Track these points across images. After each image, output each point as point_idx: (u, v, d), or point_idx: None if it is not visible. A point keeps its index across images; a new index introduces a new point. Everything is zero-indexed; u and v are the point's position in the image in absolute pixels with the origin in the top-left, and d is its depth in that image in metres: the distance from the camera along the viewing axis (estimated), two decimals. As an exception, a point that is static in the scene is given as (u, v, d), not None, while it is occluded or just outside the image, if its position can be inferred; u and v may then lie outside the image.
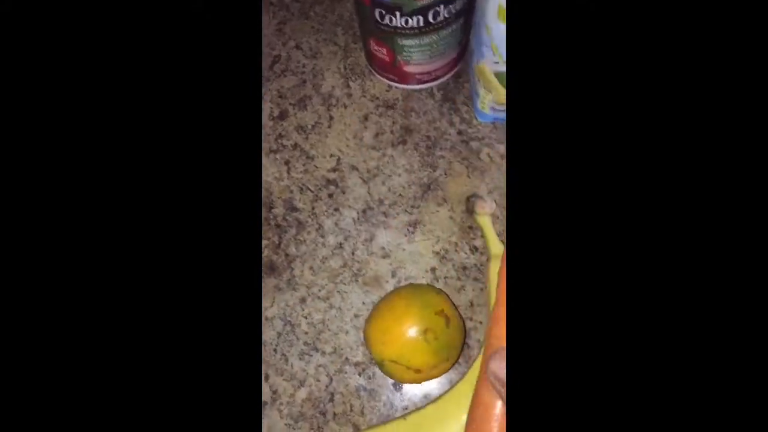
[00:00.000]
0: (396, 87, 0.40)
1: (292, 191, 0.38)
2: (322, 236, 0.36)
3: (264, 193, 0.38)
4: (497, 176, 0.37)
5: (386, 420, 0.32)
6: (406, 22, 0.31)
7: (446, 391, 0.31)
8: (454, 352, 0.30)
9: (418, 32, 0.32)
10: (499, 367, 0.23)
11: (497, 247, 0.33)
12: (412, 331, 0.28)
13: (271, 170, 0.38)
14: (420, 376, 0.29)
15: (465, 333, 0.32)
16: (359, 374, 0.33)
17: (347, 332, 0.34)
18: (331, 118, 0.40)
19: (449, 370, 0.31)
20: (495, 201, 0.36)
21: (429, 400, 0.32)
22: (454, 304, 0.32)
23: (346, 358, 0.34)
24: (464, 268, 0.35)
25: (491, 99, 0.35)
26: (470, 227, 0.36)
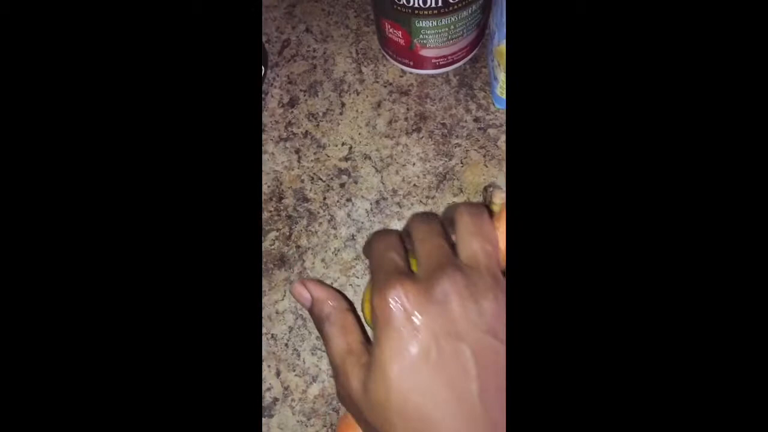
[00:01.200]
0: (410, 72, 0.38)
1: (302, 181, 0.37)
2: (334, 228, 0.35)
3: (274, 183, 0.37)
4: (516, 165, 0.36)
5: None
6: (424, 2, 0.30)
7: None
8: None
9: (437, 13, 0.31)
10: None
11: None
12: None
13: (280, 159, 0.37)
14: None
15: None
16: (373, 370, 0.32)
17: (361, 327, 0.33)
18: (343, 104, 0.38)
19: None
20: (514, 191, 0.34)
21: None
22: None
23: (360, 354, 0.33)
24: (482, 260, 0.34)
25: (511, 84, 0.33)
26: (488, 218, 0.35)
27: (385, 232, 0.26)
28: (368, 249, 0.26)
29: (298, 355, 0.33)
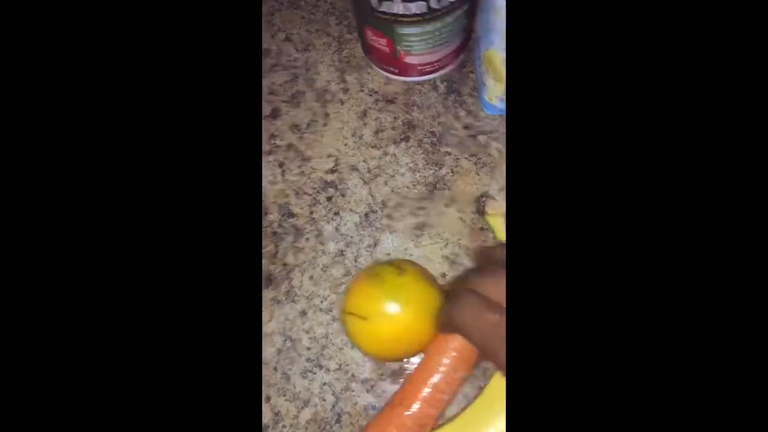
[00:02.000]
0: (396, 80, 0.37)
1: (287, 195, 0.35)
2: (322, 243, 0.34)
3: (258, 198, 0.35)
4: (508, 173, 0.35)
5: (398, 441, 0.29)
6: (407, 8, 0.29)
7: (463, 409, 0.29)
8: (409, 301, 0.28)
9: (420, 20, 0.30)
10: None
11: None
12: (362, 280, 0.29)
13: (264, 173, 0.36)
14: (369, 327, 0.28)
15: (433, 290, 0.29)
16: (367, 391, 0.31)
17: (352, 347, 0.32)
18: (327, 115, 0.37)
19: (419, 335, 0.28)
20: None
21: (445, 420, 0.29)
22: (429, 273, 0.30)
23: (353, 375, 0.31)
24: (476, 272, 0.33)
25: (500, 89, 0.32)
26: (481, 229, 0.34)
27: None
28: None
29: (288, 379, 0.31)
